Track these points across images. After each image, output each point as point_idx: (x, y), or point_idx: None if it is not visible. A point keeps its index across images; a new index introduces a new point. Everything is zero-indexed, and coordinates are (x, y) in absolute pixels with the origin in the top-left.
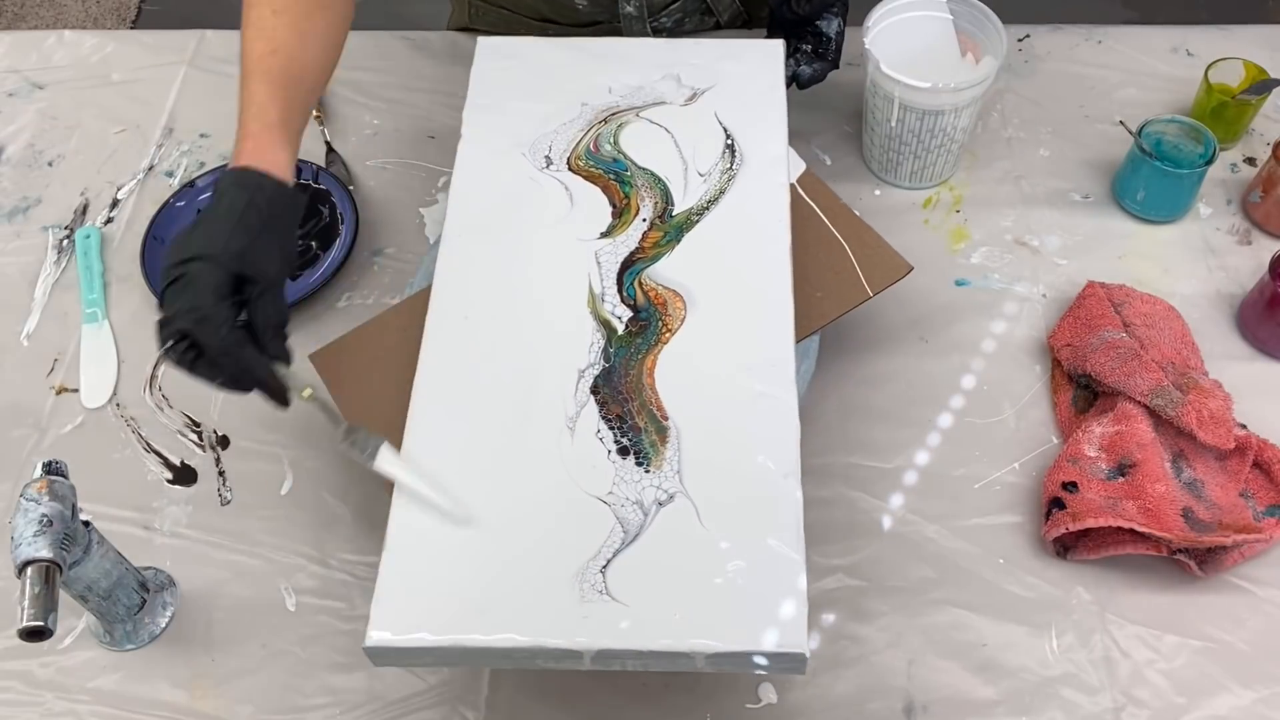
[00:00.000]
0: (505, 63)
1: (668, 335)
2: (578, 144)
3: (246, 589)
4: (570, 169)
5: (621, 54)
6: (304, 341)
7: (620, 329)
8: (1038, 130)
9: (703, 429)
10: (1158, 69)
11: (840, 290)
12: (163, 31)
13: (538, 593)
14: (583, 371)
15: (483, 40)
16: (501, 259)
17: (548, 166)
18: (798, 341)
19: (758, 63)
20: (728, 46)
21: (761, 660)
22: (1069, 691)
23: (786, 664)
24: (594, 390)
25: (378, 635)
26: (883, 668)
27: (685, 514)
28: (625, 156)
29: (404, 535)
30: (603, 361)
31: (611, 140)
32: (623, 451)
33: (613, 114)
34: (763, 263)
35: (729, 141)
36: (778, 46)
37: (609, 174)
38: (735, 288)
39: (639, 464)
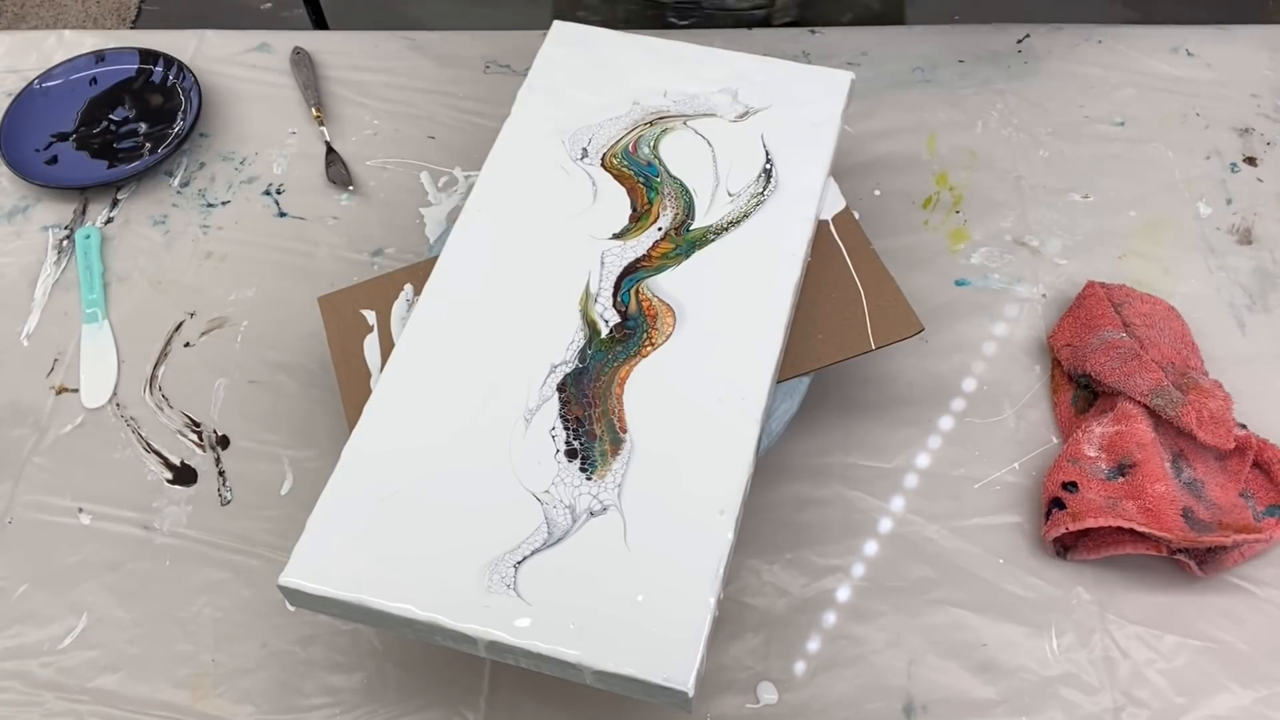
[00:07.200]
0: (572, 49)
1: (649, 349)
2: (618, 142)
3: (246, 589)
4: (603, 165)
5: (688, 60)
6: (304, 342)
7: (604, 332)
8: (1038, 130)
9: (657, 449)
10: (1158, 69)
11: (843, 337)
12: (163, 31)
13: (447, 573)
14: (555, 366)
15: (558, 24)
16: (511, 241)
17: (582, 158)
18: (785, 380)
19: (820, 92)
20: (794, 70)
21: (646, 690)
22: (1069, 691)
23: (670, 699)
24: (560, 388)
25: (288, 579)
26: (882, 668)
27: (613, 529)
28: (660, 162)
29: (340, 490)
30: (577, 361)
31: (651, 144)
32: (570, 454)
33: (660, 118)
34: (764, 295)
35: (767, 166)
36: (845, 79)
37: (639, 176)
38: (729, 314)
39: (583, 470)
